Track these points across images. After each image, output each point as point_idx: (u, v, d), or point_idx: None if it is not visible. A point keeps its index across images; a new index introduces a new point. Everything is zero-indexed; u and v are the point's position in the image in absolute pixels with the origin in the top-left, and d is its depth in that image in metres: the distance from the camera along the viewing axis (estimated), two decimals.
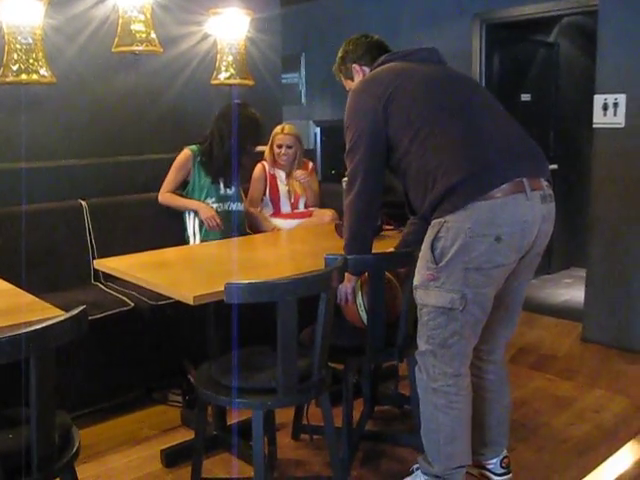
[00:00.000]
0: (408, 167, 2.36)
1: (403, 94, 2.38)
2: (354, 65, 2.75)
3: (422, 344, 2.39)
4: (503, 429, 2.67)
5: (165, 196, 3.98)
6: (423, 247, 2.32)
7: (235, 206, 4.06)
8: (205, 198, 3.96)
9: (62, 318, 1.81)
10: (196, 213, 3.93)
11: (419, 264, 2.34)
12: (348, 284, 2.60)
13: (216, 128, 3.96)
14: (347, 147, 2.48)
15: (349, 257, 2.46)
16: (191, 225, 3.97)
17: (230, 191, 4.04)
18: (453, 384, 2.35)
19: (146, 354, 3.43)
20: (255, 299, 2.16)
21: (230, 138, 3.89)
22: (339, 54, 2.82)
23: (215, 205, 3.97)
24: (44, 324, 1.77)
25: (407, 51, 2.59)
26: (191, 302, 2.28)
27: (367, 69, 2.69)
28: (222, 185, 4.01)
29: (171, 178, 3.99)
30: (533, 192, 2.24)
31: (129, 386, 3.46)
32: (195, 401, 3.30)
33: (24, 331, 1.72)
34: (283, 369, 2.24)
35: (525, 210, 2.23)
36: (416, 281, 2.35)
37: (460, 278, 2.22)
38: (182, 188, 4.03)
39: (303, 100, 6.88)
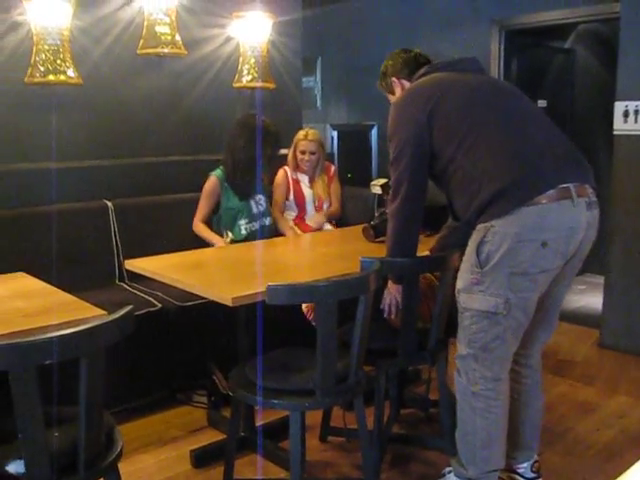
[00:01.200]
0: (453, 174, 2.38)
1: (446, 104, 2.41)
2: (393, 79, 2.79)
3: (463, 348, 2.41)
4: (535, 433, 2.68)
5: (198, 227, 3.97)
6: (468, 251, 2.34)
7: (267, 221, 4.09)
8: (238, 220, 3.96)
9: (111, 318, 1.82)
10: (228, 232, 3.97)
11: (462, 268, 2.37)
12: (397, 294, 2.65)
13: (235, 146, 3.91)
14: (391, 157, 2.52)
15: (384, 260, 2.47)
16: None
17: (262, 207, 4.06)
18: (493, 388, 2.37)
19: (171, 355, 3.44)
20: (297, 300, 2.18)
21: (252, 155, 3.87)
22: (381, 69, 2.88)
23: (249, 225, 3.98)
24: (94, 323, 1.78)
25: (448, 62, 2.62)
26: (230, 303, 2.29)
27: (406, 82, 2.74)
28: (253, 203, 4.02)
29: (202, 206, 3.98)
30: (579, 199, 2.25)
31: (154, 386, 3.47)
32: (221, 402, 3.36)
33: (74, 330, 1.73)
34: (322, 371, 2.26)
35: (571, 216, 2.25)
36: (459, 285, 2.38)
37: (505, 283, 2.24)
38: (214, 212, 4.01)
39: (319, 104, 6.90)
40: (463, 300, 2.36)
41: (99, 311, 2.19)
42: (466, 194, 2.34)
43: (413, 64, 2.75)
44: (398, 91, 2.77)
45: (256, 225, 4.02)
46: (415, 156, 2.43)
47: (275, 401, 2.31)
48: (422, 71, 2.63)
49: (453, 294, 2.73)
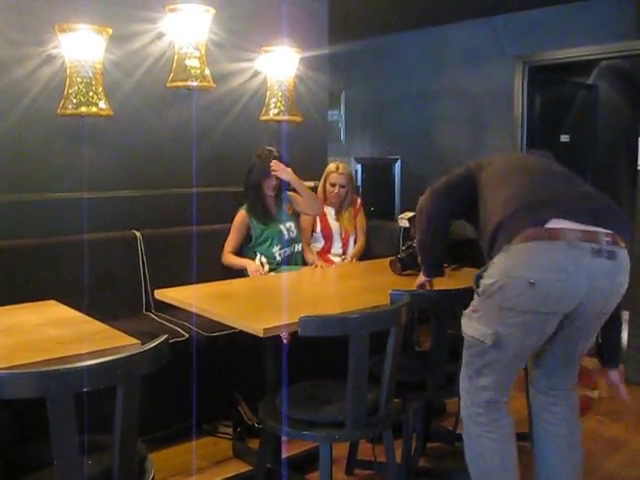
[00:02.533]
0: (479, 220, 2.50)
1: (493, 165, 2.62)
2: None
3: (463, 369, 2.44)
4: (578, 476, 2.55)
5: (226, 256, 4.04)
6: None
7: (298, 247, 4.16)
8: (271, 247, 4.04)
9: (148, 347, 1.84)
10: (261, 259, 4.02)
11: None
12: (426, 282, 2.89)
13: (247, 177, 4.06)
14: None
15: (414, 293, 2.48)
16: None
17: (292, 234, 4.12)
18: (482, 413, 2.36)
19: (197, 385, 3.44)
20: (329, 332, 2.19)
21: (259, 184, 4.00)
22: None
23: (281, 251, 4.05)
24: (131, 352, 1.80)
25: None
26: (261, 334, 2.30)
27: None
28: (285, 230, 4.07)
29: (232, 238, 4.07)
30: (582, 243, 2.13)
31: (180, 416, 3.47)
32: (246, 433, 3.35)
33: (112, 358, 1.75)
34: (352, 402, 2.26)
35: (566, 259, 2.14)
36: (466, 310, 2.43)
37: (495, 315, 2.25)
38: (247, 243, 4.09)
39: (342, 137, 6.96)
40: (463, 324, 2.39)
41: (132, 340, 2.21)
42: (483, 237, 2.44)
43: None
44: None
45: (288, 251, 4.09)
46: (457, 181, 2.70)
47: (305, 432, 2.31)
48: None
49: None
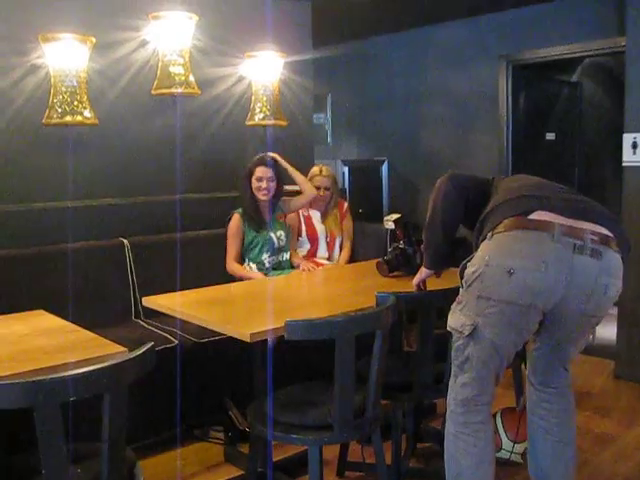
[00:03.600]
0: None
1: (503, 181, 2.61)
2: None
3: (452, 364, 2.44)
4: (570, 474, 2.54)
5: (232, 266, 4.05)
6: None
7: (286, 255, 4.19)
8: (261, 254, 4.07)
9: (134, 355, 1.85)
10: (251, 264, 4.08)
11: None
12: (425, 277, 2.81)
13: (240, 184, 4.10)
14: None
15: (399, 295, 2.49)
16: None
17: (282, 242, 4.15)
18: (462, 412, 2.34)
19: (187, 391, 3.45)
20: (315, 336, 2.21)
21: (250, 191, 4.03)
22: None
23: (271, 258, 4.08)
24: (117, 360, 1.81)
25: None
26: (248, 339, 2.31)
27: None
28: (275, 239, 4.10)
29: (230, 245, 4.08)
30: (565, 237, 2.14)
31: (170, 423, 3.47)
32: (237, 438, 3.36)
33: (98, 367, 1.76)
34: (340, 405, 2.27)
35: (547, 250, 2.15)
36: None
37: (474, 306, 2.25)
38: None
39: (329, 140, 6.98)
40: (449, 317, 2.39)
41: (120, 348, 2.22)
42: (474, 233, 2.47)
43: None
44: None
45: (276, 259, 4.11)
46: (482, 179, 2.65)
47: (294, 436, 2.33)
48: None
49: None
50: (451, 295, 2.65)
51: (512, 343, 2.29)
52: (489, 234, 2.26)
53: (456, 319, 2.32)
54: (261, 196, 4.01)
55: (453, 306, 2.37)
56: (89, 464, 1.96)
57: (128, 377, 1.83)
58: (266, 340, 2.90)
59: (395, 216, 3.76)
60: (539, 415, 2.54)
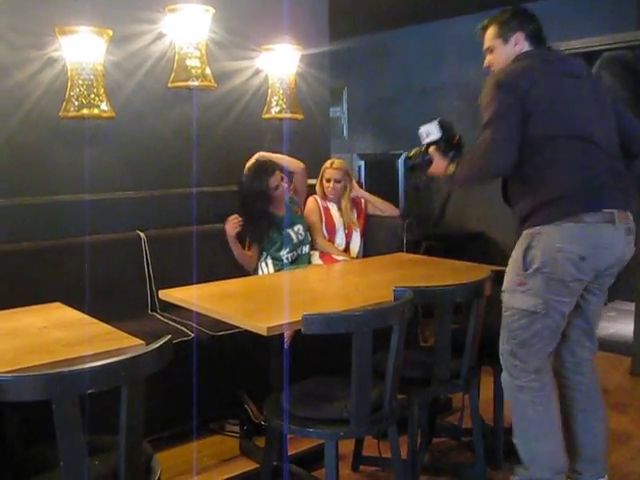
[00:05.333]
0: (528, 178, 2.55)
1: (544, 99, 2.50)
2: (518, 33, 2.72)
3: (503, 345, 2.63)
4: (599, 445, 2.76)
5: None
6: (515, 254, 2.57)
7: (305, 249, 4.24)
8: (280, 250, 4.11)
9: (152, 347, 1.85)
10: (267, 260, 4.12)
11: (509, 269, 2.60)
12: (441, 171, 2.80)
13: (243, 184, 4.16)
14: (488, 117, 2.53)
15: (416, 289, 2.47)
16: (265, 271, 4.11)
17: (301, 237, 4.21)
18: (535, 379, 2.56)
19: (203, 384, 3.46)
20: (332, 330, 2.20)
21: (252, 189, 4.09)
22: (504, 16, 2.80)
23: (290, 254, 4.12)
24: (135, 353, 1.81)
25: (552, 58, 2.70)
26: (265, 333, 2.30)
27: (526, 44, 2.71)
28: (293, 234, 4.15)
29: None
30: (620, 224, 2.47)
31: (186, 416, 3.48)
32: (253, 431, 3.36)
33: (117, 359, 1.76)
34: (356, 400, 2.27)
35: (610, 239, 2.47)
36: (504, 285, 2.60)
37: (543, 287, 2.47)
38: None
39: (345, 133, 6.96)
40: (506, 299, 2.58)
41: (137, 341, 2.21)
42: (527, 193, 2.54)
43: (537, 36, 2.73)
44: (511, 48, 2.73)
45: (295, 254, 4.15)
46: (514, 125, 2.48)
47: (310, 430, 2.32)
48: (530, 51, 2.68)
49: (485, 322, 2.75)
50: (467, 291, 2.66)
51: (571, 306, 2.57)
52: (557, 222, 2.43)
53: (523, 300, 2.51)
54: (273, 192, 4.09)
55: (510, 287, 2.56)
56: (106, 457, 1.97)
57: (145, 370, 1.84)
58: (282, 334, 2.91)
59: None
60: (575, 399, 2.76)
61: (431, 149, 2.86)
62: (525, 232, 2.53)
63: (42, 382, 1.66)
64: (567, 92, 2.55)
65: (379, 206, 4.57)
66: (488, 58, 2.84)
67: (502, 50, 2.75)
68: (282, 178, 4.10)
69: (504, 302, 2.59)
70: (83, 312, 2.65)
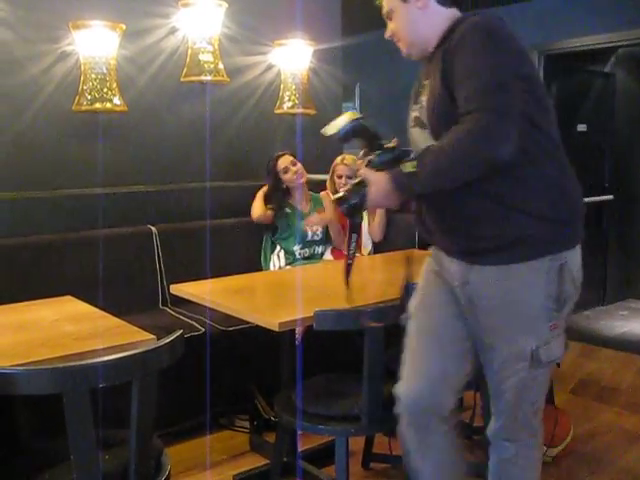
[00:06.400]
0: (522, 165, 1.86)
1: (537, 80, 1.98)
2: None
3: (528, 412, 2.08)
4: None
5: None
6: (534, 295, 1.91)
7: (320, 249, 4.25)
8: (293, 244, 4.16)
9: (163, 342, 1.85)
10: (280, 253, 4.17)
11: (528, 320, 1.93)
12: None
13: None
14: (486, 84, 1.79)
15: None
16: (276, 265, 4.14)
17: (317, 237, 4.23)
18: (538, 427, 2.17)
19: (214, 379, 3.45)
20: (343, 326, 2.19)
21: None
22: None
23: (302, 250, 4.15)
24: (147, 348, 1.81)
25: None
26: (276, 328, 2.29)
27: (433, 3, 2.07)
28: (309, 232, 4.18)
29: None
30: None
31: (196, 410, 3.48)
32: (263, 427, 3.36)
33: (128, 354, 1.76)
34: (368, 397, 2.26)
35: None
36: (534, 342, 1.93)
37: (563, 324, 1.98)
38: (272, 235, 4.22)
39: None
40: (545, 354, 1.94)
41: (148, 335, 2.21)
42: (537, 198, 1.87)
43: None
44: (414, 9, 2.07)
45: (308, 252, 4.16)
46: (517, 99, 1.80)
47: (321, 427, 2.31)
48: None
49: None
50: None
51: None
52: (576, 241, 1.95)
53: (560, 345, 1.97)
54: (291, 181, 4.13)
55: (546, 339, 1.93)
56: (117, 451, 1.97)
57: (157, 365, 1.83)
58: (294, 330, 2.90)
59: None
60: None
61: (362, 170, 2.07)
62: (545, 259, 1.88)
63: (53, 376, 1.66)
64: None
65: (376, 222, 4.36)
66: (389, 27, 2.19)
67: (404, 11, 2.08)
68: (294, 163, 4.13)
69: (541, 361, 1.94)
70: (95, 306, 2.65)
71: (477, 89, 1.79)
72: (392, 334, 2.30)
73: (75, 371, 1.67)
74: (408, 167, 1.92)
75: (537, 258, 1.88)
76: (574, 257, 1.93)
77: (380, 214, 4.37)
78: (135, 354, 1.76)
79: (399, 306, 2.24)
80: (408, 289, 2.38)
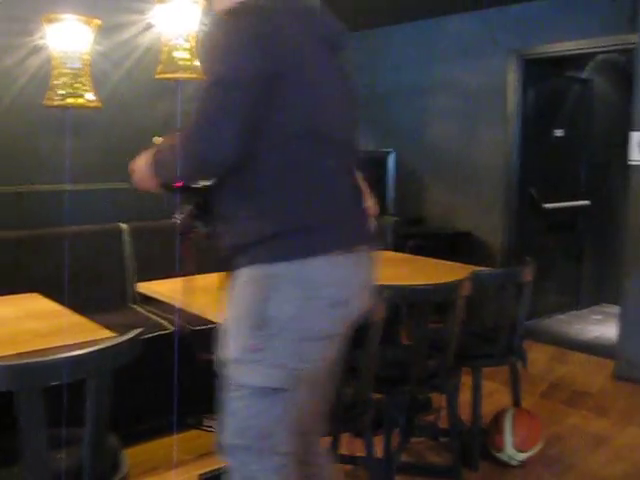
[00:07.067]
0: (255, 170, 1.75)
1: (301, 76, 1.73)
2: None
3: (231, 437, 1.93)
4: None
5: None
6: (241, 305, 1.82)
7: None
8: None
9: (119, 340, 1.83)
10: None
11: (232, 329, 1.85)
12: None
13: None
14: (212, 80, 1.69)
15: (391, 286, 2.45)
16: None
17: None
18: None
19: (182, 378, 3.43)
20: None
21: None
22: None
23: None
24: (101, 346, 1.79)
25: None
26: None
27: None
28: None
29: None
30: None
31: (163, 410, 3.45)
32: None
33: (82, 352, 1.74)
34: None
35: (358, 272, 1.86)
36: (227, 353, 1.84)
37: (292, 349, 1.76)
38: None
39: None
40: (233, 374, 1.80)
41: (109, 333, 2.20)
42: (247, 203, 1.79)
43: None
44: None
45: None
46: (249, 104, 1.65)
47: None
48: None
49: (464, 321, 2.74)
50: (445, 290, 2.64)
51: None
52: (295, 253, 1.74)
53: (259, 374, 1.78)
54: None
55: (238, 357, 1.80)
56: (72, 450, 1.94)
57: (112, 363, 1.81)
58: None
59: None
60: None
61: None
62: (253, 268, 1.77)
63: (4, 373, 1.63)
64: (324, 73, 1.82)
65: None
66: None
67: None
68: None
69: (227, 379, 1.83)
70: (62, 303, 2.63)
71: (200, 88, 1.73)
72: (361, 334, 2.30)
73: (27, 369, 1.65)
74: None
75: (252, 264, 1.78)
76: (289, 272, 1.73)
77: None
78: (89, 352, 1.74)
79: None
80: None
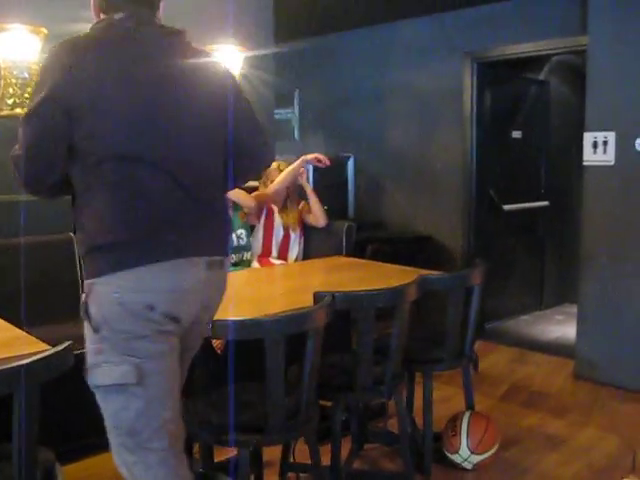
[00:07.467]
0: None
1: (115, 94, 1.85)
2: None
3: (112, 439, 2.04)
4: None
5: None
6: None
7: (247, 255, 4.24)
8: None
9: (46, 354, 1.80)
10: None
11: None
12: None
13: None
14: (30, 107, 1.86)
15: (336, 294, 2.44)
16: None
17: (242, 242, 4.22)
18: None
19: None
20: (242, 336, 2.16)
21: None
22: None
23: (234, 256, 4.09)
24: (28, 360, 1.76)
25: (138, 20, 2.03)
26: None
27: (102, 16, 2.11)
28: (235, 237, 4.16)
29: None
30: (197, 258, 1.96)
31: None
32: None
33: (7, 367, 1.71)
34: (270, 406, 2.23)
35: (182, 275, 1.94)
36: (87, 361, 1.97)
37: (125, 348, 1.90)
38: None
39: (297, 135, 6.92)
40: (89, 378, 1.96)
41: (44, 346, 2.16)
42: (77, 218, 1.93)
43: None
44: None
45: (235, 258, 4.13)
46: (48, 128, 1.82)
47: (224, 437, 2.28)
48: (116, 19, 2.01)
49: (410, 327, 2.73)
50: (390, 295, 2.63)
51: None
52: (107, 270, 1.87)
53: (106, 373, 1.94)
54: None
55: (92, 361, 1.97)
56: (2, 465, 1.91)
57: (39, 377, 1.78)
58: (210, 344, 2.86)
59: None
60: None
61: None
62: (86, 281, 1.93)
63: None
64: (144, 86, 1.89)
65: (315, 208, 4.44)
66: None
67: None
68: None
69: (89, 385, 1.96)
70: (12, 316, 2.58)
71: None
72: (297, 343, 2.28)
73: None
74: None
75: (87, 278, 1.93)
76: (103, 282, 1.86)
77: (313, 198, 4.43)
78: (14, 367, 1.71)
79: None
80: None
